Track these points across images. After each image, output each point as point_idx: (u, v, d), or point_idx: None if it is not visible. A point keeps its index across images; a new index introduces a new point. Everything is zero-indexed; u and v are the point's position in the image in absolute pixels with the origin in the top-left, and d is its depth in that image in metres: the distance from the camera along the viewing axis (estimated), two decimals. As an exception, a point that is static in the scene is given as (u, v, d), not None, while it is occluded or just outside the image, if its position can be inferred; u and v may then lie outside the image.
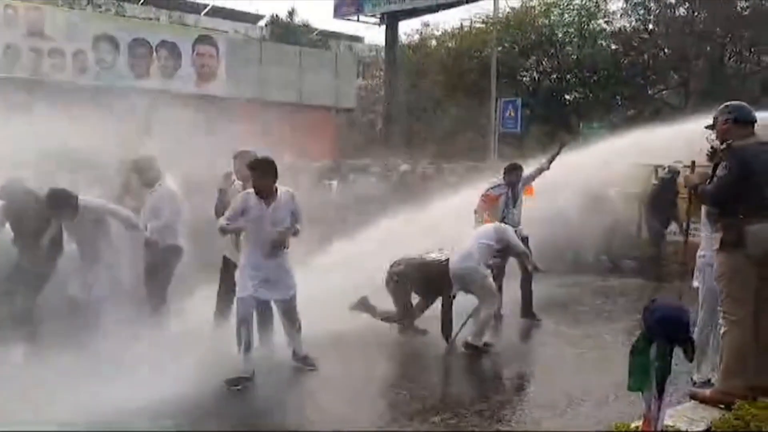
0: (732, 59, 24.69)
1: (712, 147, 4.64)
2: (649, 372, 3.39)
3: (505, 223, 7.22)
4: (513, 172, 7.49)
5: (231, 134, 8.31)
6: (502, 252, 6.57)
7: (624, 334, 6.81)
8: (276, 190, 5.42)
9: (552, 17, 26.04)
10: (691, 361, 3.53)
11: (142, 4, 29.51)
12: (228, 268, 6.05)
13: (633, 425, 3.69)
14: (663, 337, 3.41)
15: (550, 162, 7.74)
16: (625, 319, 7.69)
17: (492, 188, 7.48)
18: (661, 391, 3.39)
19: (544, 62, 26.60)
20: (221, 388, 5.13)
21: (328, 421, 4.65)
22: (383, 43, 25.92)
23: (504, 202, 7.39)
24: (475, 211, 7.42)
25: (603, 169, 9.48)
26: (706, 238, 4.92)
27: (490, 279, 6.34)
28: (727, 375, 4.36)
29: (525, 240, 7.21)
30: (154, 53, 18.91)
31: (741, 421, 3.85)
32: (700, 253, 5.05)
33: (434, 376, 5.81)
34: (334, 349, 6.11)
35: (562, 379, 5.49)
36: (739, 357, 4.34)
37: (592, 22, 25.90)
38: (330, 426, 4.56)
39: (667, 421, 3.67)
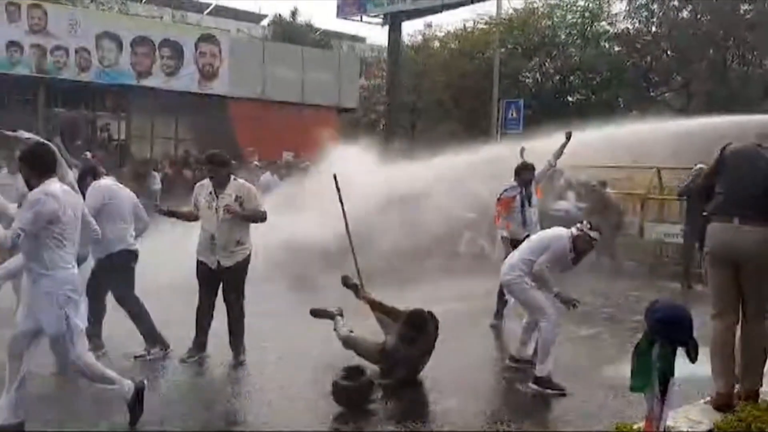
0: (734, 62, 24.68)
1: None
2: (651, 373, 3.38)
3: (525, 222, 7.20)
4: (525, 171, 7.35)
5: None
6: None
7: (625, 334, 6.80)
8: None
9: (555, 19, 26.05)
10: (693, 362, 3.50)
11: (145, 2, 29.52)
12: (199, 271, 5.79)
13: (635, 426, 3.68)
14: (664, 337, 3.40)
15: (557, 157, 7.67)
16: (626, 320, 7.68)
17: (505, 191, 7.35)
18: (663, 392, 3.38)
19: (546, 63, 26.58)
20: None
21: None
22: (386, 44, 25.89)
23: (520, 201, 7.28)
24: (496, 218, 7.37)
25: None
26: None
27: (534, 292, 5.65)
28: (713, 374, 4.35)
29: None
30: (157, 51, 18.92)
31: (743, 422, 3.85)
32: None
33: (433, 375, 5.79)
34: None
35: (562, 379, 5.46)
36: (718, 355, 4.31)
37: (595, 23, 25.91)
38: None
39: (669, 422, 3.66)
